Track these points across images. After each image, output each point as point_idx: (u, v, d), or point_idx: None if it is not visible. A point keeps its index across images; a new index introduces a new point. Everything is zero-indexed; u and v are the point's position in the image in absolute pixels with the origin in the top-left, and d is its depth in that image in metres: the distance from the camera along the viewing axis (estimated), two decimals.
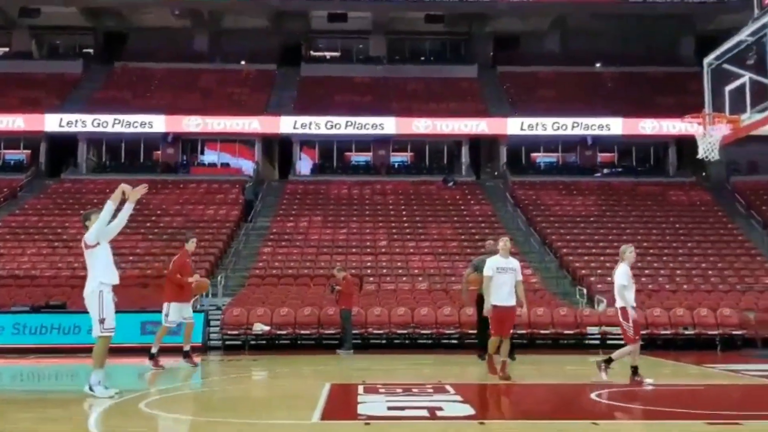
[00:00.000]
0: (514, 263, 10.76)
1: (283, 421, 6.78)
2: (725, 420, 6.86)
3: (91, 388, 8.27)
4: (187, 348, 13.15)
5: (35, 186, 31.49)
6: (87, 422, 6.40)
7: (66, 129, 33.15)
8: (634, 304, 10.05)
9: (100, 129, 33.16)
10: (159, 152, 34.97)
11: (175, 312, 13.00)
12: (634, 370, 9.94)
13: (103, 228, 8.60)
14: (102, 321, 8.47)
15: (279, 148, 36.41)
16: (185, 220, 27.62)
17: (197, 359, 13.08)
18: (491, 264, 10.66)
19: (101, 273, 8.61)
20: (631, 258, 10.15)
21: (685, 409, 7.41)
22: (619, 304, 9.98)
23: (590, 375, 10.31)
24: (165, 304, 13.17)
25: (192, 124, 33.62)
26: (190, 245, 13.59)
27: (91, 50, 40.48)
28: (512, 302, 10.51)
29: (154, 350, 12.67)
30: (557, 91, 36.23)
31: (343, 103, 35.36)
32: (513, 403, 8.91)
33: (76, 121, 33.15)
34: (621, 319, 9.97)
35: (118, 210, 8.79)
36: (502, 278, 10.52)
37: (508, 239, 11.11)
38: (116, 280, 8.75)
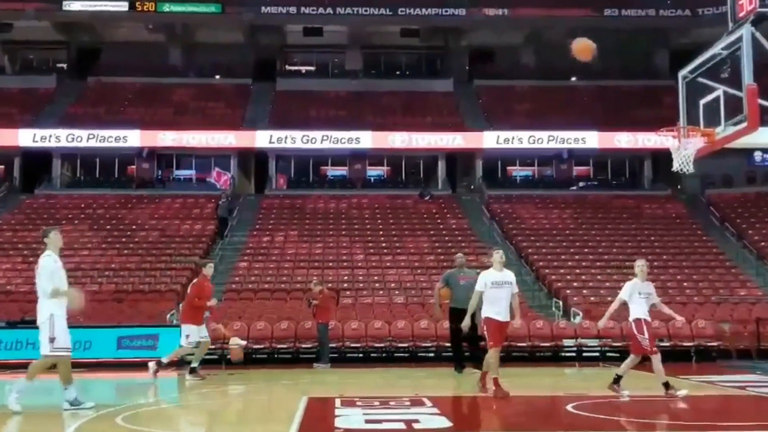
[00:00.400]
0: (509, 276, 10.42)
1: None
2: (700, 430, 6.92)
3: (71, 404, 8.22)
4: (195, 365, 13.60)
5: (9, 201, 31.14)
6: None
7: (40, 144, 32.86)
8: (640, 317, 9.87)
9: (75, 144, 32.89)
10: (134, 167, 34.76)
11: (194, 333, 13.49)
12: (617, 379, 9.89)
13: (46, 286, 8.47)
14: (52, 340, 8.33)
15: (255, 163, 36.31)
16: (161, 234, 27.47)
17: (202, 373, 13.42)
18: (484, 279, 10.27)
19: (50, 304, 8.48)
20: (638, 272, 10.03)
21: (659, 420, 7.45)
22: (633, 316, 9.85)
23: (564, 387, 10.32)
24: (184, 326, 13.68)
25: (167, 138, 33.46)
26: (208, 270, 14.14)
27: (64, 65, 40.18)
28: (508, 318, 10.27)
29: (165, 360, 13.44)
30: (533, 105, 36.48)
31: (319, 118, 35.41)
32: (490, 415, 8.91)
33: (50, 136, 32.87)
34: (635, 331, 9.81)
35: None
36: (499, 293, 10.17)
37: (501, 252, 10.69)
38: (63, 310, 8.57)
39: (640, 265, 10.07)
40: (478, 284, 10.32)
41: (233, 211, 29.65)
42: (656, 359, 9.66)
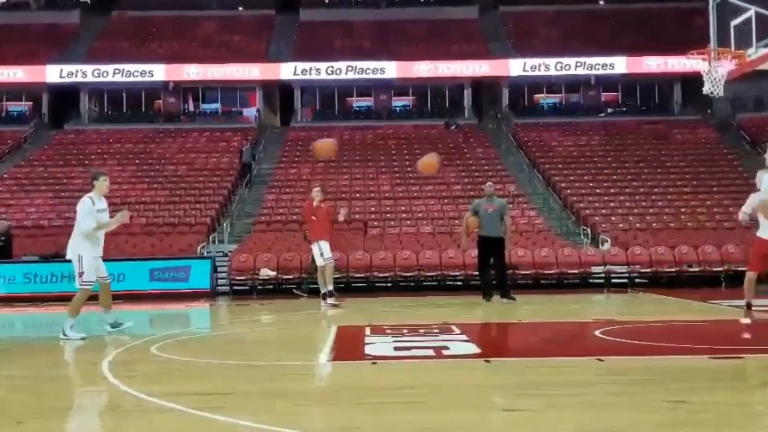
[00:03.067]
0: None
1: (292, 363, 6.89)
2: (728, 354, 6.95)
3: (64, 333, 8.69)
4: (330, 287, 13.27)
5: (39, 137, 31.48)
6: (101, 365, 6.51)
7: (67, 80, 33.03)
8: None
9: (101, 79, 33.05)
10: (160, 101, 34.83)
11: (326, 248, 13.13)
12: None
13: (89, 227, 8.93)
14: (81, 275, 8.90)
15: (280, 95, 36.20)
16: (189, 168, 27.67)
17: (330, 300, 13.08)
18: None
19: (86, 244, 8.95)
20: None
21: (688, 344, 7.50)
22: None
23: (593, 313, 10.34)
24: (314, 245, 13.25)
25: (192, 72, 33.42)
26: (314, 194, 13.53)
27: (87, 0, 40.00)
28: None
29: (329, 288, 13.08)
30: (559, 30, 35.81)
31: (343, 48, 35.06)
32: (517, 342, 9.01)
33: (77, 71, 32.99)
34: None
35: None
36: None
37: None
38: (99, 253, 9.11)
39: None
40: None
41: (257, 156, 28.94)
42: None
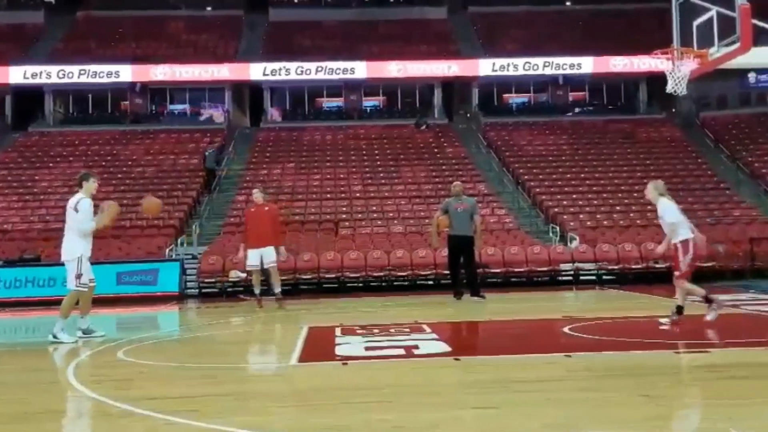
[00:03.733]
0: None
1: (262, 365, 6.86)
2: (694, 349, 7.05)
3: (84, 333, 8.78)
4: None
5: (2, 140, 31.01)
6: (67, 371, 6.43)
7: (31, 81, 32.57)
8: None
9: (66, 80, 32.59)
10: (127, 102, 34.49)
11: (250, 255, 13.12)
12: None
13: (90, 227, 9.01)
14: (79, 277, 8.87)
15: (249, 96, 36.03)
16: (157, 170, 27.43)
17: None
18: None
19: (84, 245, 8.98)
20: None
21: (655, 340, 7.58)
22: (681, 237, 8.69)
23: (561, 310, 10.42)
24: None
25: (160, 72, 33.12)
26: (255, 196, 13.51)
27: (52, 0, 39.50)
28: None
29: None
30: (528, 31, 36.05)
31: (313, 48, 34.98)
32: (488, 340, 9.06)
33: (41, 72, 32.55)
34: (681, 254, 8.65)
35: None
36: None
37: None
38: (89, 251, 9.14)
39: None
40: None
41: (221, 162, 27.84)
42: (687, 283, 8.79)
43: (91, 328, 9.11)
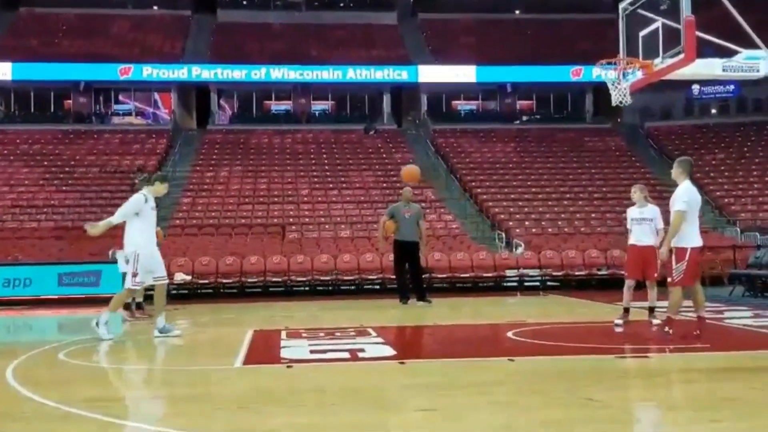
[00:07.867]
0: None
1: (206, 367, 6.79)
2: (634, 354, 7.19)
3: (97, 324, 8.77)
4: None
5: None
6: (5, 372, 6.27)
7: None
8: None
9: (6, 78, 31.82)
10: (70, 102, 33.83)
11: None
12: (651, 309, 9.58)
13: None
14: (134, 275, 9.12)
15: (196, 97, 35.64)
16: (101, 170, 26.96)
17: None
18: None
19: (136, 240, 9.18)
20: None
21: (595, 344, 7.71)
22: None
23: (506, 315, 10.52)
24: None
25: (104, 72, 32.55)
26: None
27: None
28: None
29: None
30: (478, 39, 36.38)
31: (262, 51, 34.80)
32: (432, 344, 9.11)
33: None
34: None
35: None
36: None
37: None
38: (150, 246, 9.34)
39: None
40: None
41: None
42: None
43: (168, 327, 9.22)
